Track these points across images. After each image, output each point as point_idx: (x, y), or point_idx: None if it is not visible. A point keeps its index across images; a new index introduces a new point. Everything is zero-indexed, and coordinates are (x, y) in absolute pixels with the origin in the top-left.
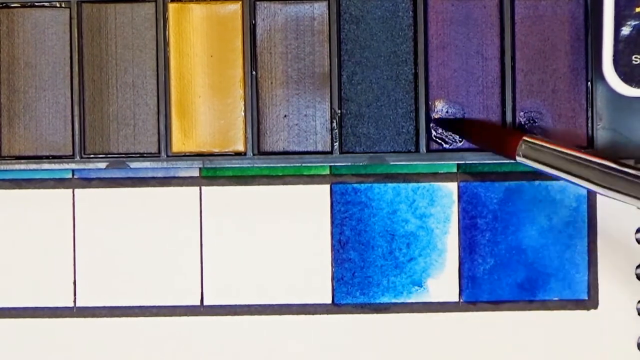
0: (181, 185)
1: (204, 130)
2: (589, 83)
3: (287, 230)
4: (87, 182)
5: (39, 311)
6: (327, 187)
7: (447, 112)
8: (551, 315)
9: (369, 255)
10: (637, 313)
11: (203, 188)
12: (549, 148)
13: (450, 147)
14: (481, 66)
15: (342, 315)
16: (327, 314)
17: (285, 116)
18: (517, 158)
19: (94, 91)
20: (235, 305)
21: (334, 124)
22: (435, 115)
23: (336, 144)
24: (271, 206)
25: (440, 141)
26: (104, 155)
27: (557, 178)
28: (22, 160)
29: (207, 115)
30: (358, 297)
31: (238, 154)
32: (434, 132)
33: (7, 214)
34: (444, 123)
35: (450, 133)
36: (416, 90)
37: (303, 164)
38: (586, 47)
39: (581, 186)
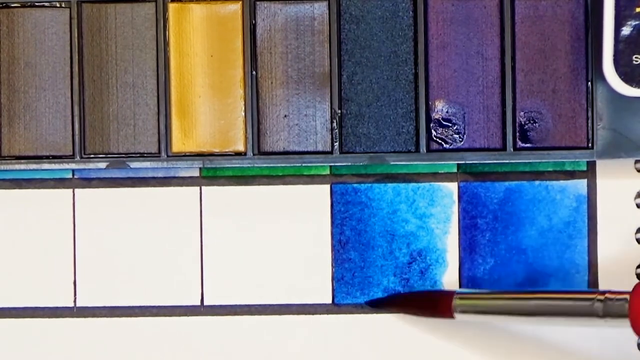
0: (181, 185)
1: (204, 130)
2: (589, 83)
3: (287, 230)
4: (87, 182)
5: (39, 311)
6: (327, 187)
7: (447, 112)
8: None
9: (369, 255)
10: None
11: (203, 188)
12: (481, 295)
13: (451, 147)
14: (481, 66)
15: (342, 315)
16: (327, 314)
17: (285, 116)
18: (455, 315)
19: (94, 91)
20: (236, 305)
21: (334, 124)
22: (435, 116)
23: (336, 144)
24: (271, 206)
25: (440, 141)
26: (104, 155)
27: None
28: (22, 160)
29: (207, 115)
30: (358, 297)
31: (238, 154)
32: (434, 132)
33: (7, 214)
34: (374, 303)
35: (449, 135)
36: (416, 90)
37: (303, 164)
38: (586, 47)
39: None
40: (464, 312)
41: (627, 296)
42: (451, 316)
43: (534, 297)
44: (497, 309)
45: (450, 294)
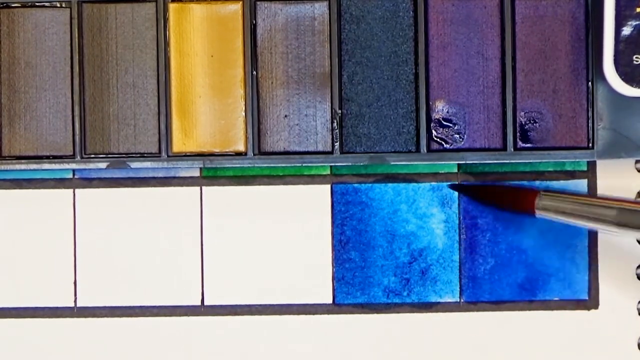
0: (182, 185)
1: (204, 130)
2: (590, 83)
3: (287, 230)
4: (88, 182)
5: (39, 311)
6: (327, 187)
7: (447, 112)
8: (552, 315)
9: (369, 255)
10: (637, 313)
11: (204, 188)
12: (565, 197)
13: (451, 147)
14: (482, 66)
15: (343, 315)
16: (328, 314)
17: (285, 116)
18: (537, 212)
19: (95, 91)
20: (236, 305)
21: (335, 124)
22: (436, 116)
23: (337, 144)
24: (272, 206)
25: (440, 141)
26: (104, 155)
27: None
28: (23, 160)
29: (208, 115)
30: (359, 297)
31: (239, 154)
32: (434, 132)
33: (7, 214)
34: (463, 189)
35: (449, 135)
36: (417, 91)
37: (304, 164)
38: (587, 47)
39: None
40: (545, 209)
41: None
42: (533, 212)
43: (617, 207)
44: (577, 212)
45: (535, 191)
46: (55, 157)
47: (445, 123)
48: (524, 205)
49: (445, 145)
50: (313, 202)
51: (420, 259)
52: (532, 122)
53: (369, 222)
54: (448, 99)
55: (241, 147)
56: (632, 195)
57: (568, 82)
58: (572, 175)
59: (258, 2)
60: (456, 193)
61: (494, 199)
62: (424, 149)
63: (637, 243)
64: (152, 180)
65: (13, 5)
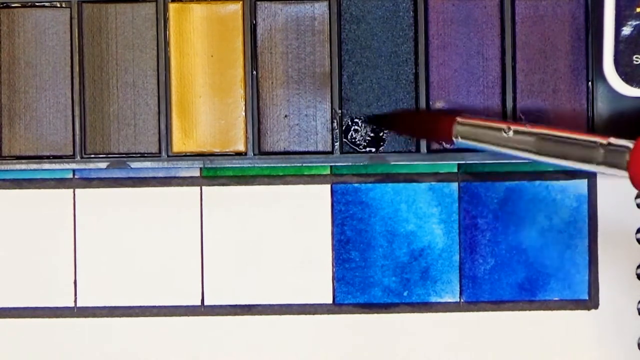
0: (182, 185)
1: (204, 130)
2: (590, 83)
3: (287, 230)
4: (88, 182)
5: (39, 311)
6: (327, 187)
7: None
8: (552, 315)
9: (369, 255)
10: (637, 313)
11: (204, 188)
12: (483, 123)
13: (451, 147)
14: (482, 66)
15: (343, 315)
16: (328, 314)
17: (285, 116)
18: (455, 140)
19: (95, 91)
20: (236, 305)
21: (335, 124)
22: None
23: (337, 144)
24: (272, 206)
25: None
26: (104, 155)
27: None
28: (23, 160)
29: (208, 115)
30: (359, 297)
31: (239, 154)
32: None
33: (7, 214)
34: (372, 120)
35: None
36: (417, 91)
37: (304, 164)
38: (587, 47)
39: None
40: (464, 138)
41: (630, 144)
42: (450, 139)
43: (535, 134)
44: (496, 140)
45: (452, 117)
46: (55, 157)
47: None
48: (441, 132)
49: (445, 145)
50: (313, 202)
51: (421, 259)
52: (532, 122)
53: (369, 222)
54: (448, 99)
55: (241, 147)
56: (633, 195)
57: (568, 82)
58: (572, 175)
59: (258, 2)
60: (456, 193)
61: (411, 126)
62: (424, 149)
63: (637, 243)
64: (152, 180)
65: (13, 5)
